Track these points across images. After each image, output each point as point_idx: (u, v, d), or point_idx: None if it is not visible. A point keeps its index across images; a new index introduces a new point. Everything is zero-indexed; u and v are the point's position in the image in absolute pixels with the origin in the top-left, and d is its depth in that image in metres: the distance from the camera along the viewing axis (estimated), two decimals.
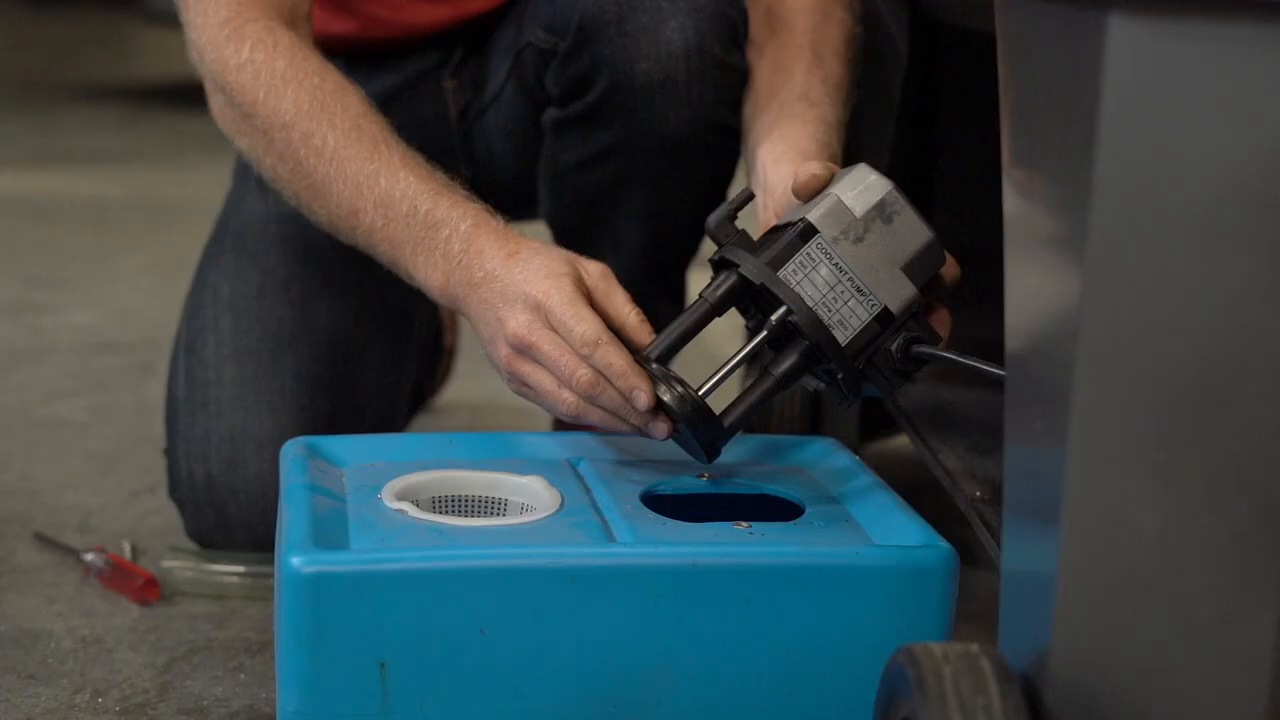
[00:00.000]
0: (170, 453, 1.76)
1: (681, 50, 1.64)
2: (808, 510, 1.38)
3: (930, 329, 1.38)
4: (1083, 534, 0.98)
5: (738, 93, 1.66)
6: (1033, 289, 1.05)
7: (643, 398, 1.34)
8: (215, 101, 1.58)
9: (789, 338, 1.36)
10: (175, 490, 1.75)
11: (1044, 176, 1.03)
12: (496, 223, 1.45)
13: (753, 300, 1.39)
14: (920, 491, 1.64)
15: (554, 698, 1.24)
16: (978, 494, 1.44)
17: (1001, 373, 1.30)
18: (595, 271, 1.41)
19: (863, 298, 1.35)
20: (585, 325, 1.35)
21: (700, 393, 1.35)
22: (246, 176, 1.86)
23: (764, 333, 1.36)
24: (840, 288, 1.34)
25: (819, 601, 1.26)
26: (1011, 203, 1.09)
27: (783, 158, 1.50)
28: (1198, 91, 0.92)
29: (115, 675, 1.53)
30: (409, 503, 1.35)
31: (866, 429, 1.94)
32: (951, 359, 1.35)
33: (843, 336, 1.34)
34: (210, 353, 1.75)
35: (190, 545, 1.76)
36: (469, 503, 1.41)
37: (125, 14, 7.05)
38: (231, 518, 1.71)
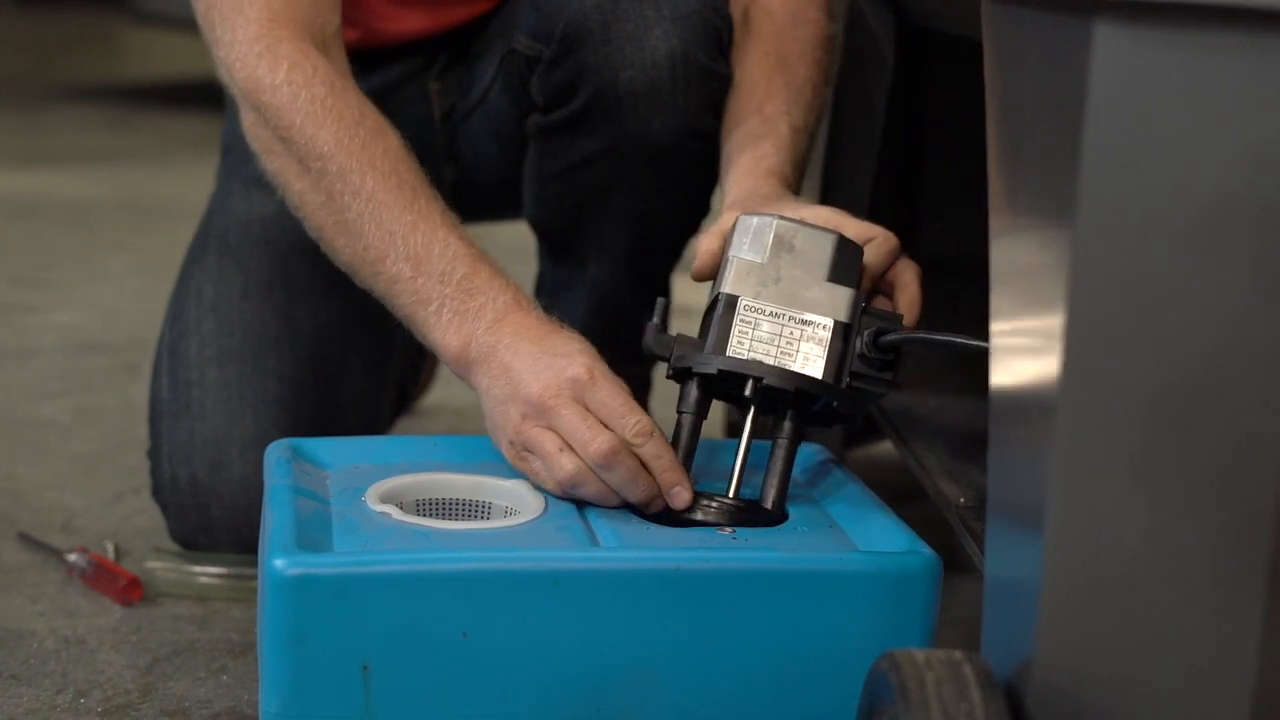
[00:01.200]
0: (153, 455, 1.76)
1: (666, 58, 1.64)
2: (792, 516, 1.38)
3: (888, 315, 1.39)
4: (1066, 540, 0.98)
5: (722, 99, 1.66)
6: (1018, 296, 1.05)
7: (685, 495, 1.34)
8: (248, 119, 1.55)
9: (776, 400, 1.37)
10: (158, 492, 1.75)
11: (1029, 183, 1.03)
12: (533, 305, 1.43)
13: (725, 387, 1.39)
14: (904, 497, 1.64)
15: (537, 701, 1.24)
16: (961, 500, 1.44)
17: (971, 342, 1.32)
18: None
19: (811, 326, 1.36)
20: (639, 415, 1.33)
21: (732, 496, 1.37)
22: (230, 178, 1.85)
23: (751, 409, 1.37)
24: (787, 330, 1.35)
25: (802, 607, 1.25)
26: (997, 210, 1.09)
27: (732, 204, 1.52)
28: (1183, 100, 0.92)
29: (98, 676, 1.53)
30: (393, 505, 1.34)
31: (851, 435, 1.94)
32: (919, 338, 1.37)
33: (817, 370, 1.35)
34: (193, 355, 1.75)
35: (173, 547, 1.75)
36: (453, 506, 1.41)
37: (113, 14, 7.04)
38: (215, 520, 1.71)
